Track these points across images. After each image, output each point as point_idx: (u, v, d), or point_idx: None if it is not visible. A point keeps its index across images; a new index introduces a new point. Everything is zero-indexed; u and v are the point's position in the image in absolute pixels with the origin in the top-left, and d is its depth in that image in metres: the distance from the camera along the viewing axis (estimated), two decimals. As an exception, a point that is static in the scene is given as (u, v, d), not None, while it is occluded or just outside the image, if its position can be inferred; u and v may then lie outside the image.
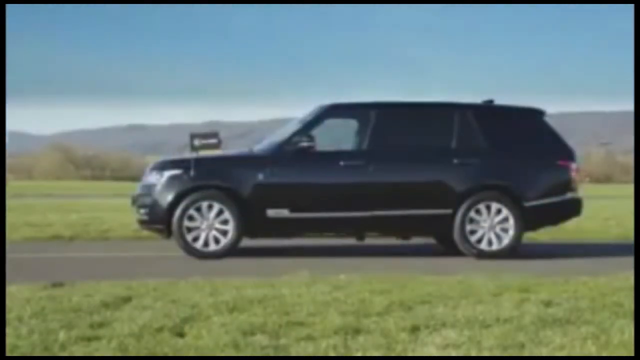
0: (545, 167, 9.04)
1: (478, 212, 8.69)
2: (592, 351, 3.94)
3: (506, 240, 8.69)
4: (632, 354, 3.92)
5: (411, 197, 8.70)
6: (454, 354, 3.91)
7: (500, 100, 9.48)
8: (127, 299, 5.23)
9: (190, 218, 8.39)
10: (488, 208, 8.70)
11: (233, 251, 8.47)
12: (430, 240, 10.02)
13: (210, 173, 8.59)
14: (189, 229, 8.39)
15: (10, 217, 12.94)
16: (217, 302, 5.07)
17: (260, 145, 9.10)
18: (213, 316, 4.69)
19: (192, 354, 3.86)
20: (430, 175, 8.82)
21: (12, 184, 43.42)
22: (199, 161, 8.60)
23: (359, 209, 8.58)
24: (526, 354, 3.93)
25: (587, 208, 9.85)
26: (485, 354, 3.92)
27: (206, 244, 8.43)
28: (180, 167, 8.55)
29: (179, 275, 6.50)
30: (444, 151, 8.84)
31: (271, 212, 8.47)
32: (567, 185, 9.05)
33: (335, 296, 5.38)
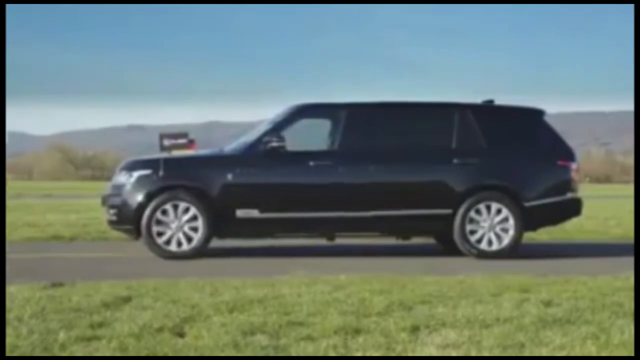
0: (545, 167, 9.03)
1: (478, 212, 8.68)
2: (592, 351, 3.94)
3: (506, 240, 8.68)
4: (632, 354, 3.92)
5: (393, 197, 8.63)
6: (454, 354, 3.91)
7: (500, 100, 9.49)
8: (127, 299, 5.23)
9: (160, 218, 8.35)
10: (488, 208, 8.70)
11: (202, 252, 8.39)
12: (430, 240, 10.02)
13: (179, 173, 8.55)
14: (158, 230, 8.35)
15: (10, 217, 12.95)
16: (217, 302, 5.07)
17: (231, 145, 9.05)
18: (213, 316, 4.69)
19: (192, 354, 3.86)
20: (428, 175, 8.78)
21: (11, 184, 43.43)
22: (168, 161, 8.56)
23: (330, 209, 8.51)
24: (526, 354, 3.93)
25: (587, 208, 9.85)
26: (485, 354, 3.92)
27: (175, 244, 8.37)
28: (149, 167, 8.51)
29: (179, 275, 6.50)
30: (443, 151, 8.81)
31: (240, 213, 8.45)
32: (567, 185, 9.04)
33: (335, 296, 5.38)
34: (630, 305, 5.13)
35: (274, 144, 8.53)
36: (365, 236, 9.62)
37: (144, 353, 3.85)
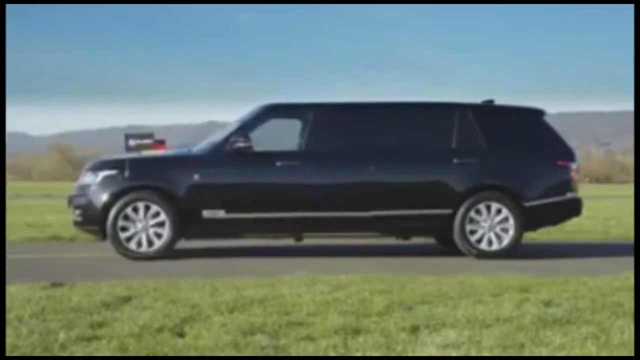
0: (545, 167, 9.03)
1: (478, 212, 8.67)
2: (592, 351, 3.94)
3: (506, 240, 8.67)
4: (632, 354, 3.92)
5: (373, 197, 8.58)
6: (454, 354, 3.91)
7: (500, 100, 9.49)
8: (127, 299, 5.23)
9: (125, 219, 8.31)
10: (488, 208, 8.69)
11: (168, 252, 8.35)
12: (430, 240, 10.03)
13: (145, 173, 8.51)
14: (124, 230, 8.31)
15: (9, 218, 12.95)
16: (217, 302, 5.07)
17: (199, 146, 8.99)
18: (213, 316, 4.69)
19: (192, 354, 3.86)
20: (426, 175, 8.75)
21: (11, 185, 43.43)
22: (134, 161, 8.53)
23: (296, 209, 8.46)
24: (526, 354, 3.93)
25: (587, 208, 9.85)
26: (485, 354, 3.92)
27: (141, 244, 8.33)
28: (115, 168, 8.46)
29: (179, 275, 6.50)
30: (443, 151, 8.79)
31: (206, 213, 8.41)
32: (567, 185, 9.04)
33: (335, 296, 5.38)
34: (630, 305, 5.13)
35: (240, 144, 8.50)
36: (335, 237, 9.56)
37: (144, 353, 3.85)
